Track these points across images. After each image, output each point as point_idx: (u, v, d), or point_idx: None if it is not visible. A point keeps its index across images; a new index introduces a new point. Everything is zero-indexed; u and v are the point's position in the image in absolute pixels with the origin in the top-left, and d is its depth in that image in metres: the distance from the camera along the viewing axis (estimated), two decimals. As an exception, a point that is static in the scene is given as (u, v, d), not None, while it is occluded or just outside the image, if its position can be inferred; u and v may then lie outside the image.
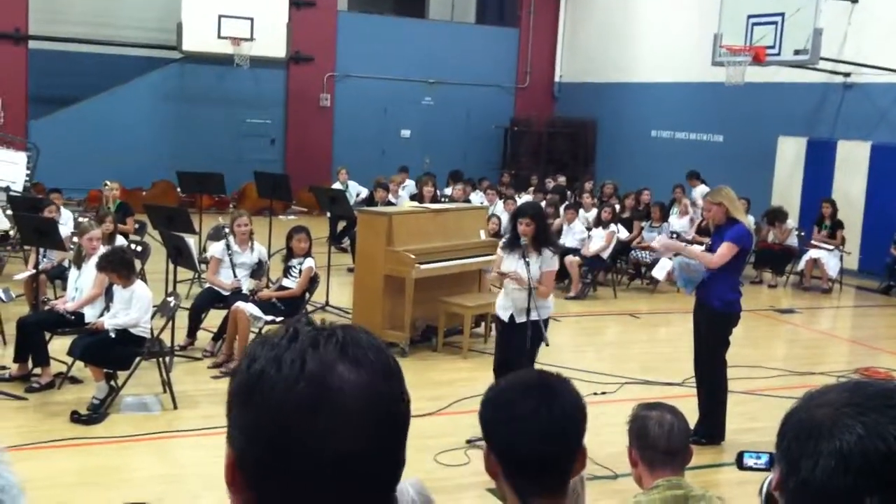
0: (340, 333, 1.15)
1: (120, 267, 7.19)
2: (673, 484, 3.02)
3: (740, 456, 2.40)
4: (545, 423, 1.96)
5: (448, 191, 15.83)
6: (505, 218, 11.76)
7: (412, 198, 14.62)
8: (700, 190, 15.82)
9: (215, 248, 9.22)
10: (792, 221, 14.33)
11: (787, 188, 15.98)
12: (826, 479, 1.21)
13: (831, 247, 13.68)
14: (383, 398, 1.13)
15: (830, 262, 13.59)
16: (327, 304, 10.69)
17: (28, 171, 15.01)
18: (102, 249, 7.78)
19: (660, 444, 3.12)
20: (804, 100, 15.89)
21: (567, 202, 14.53)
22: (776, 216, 14.16)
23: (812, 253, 13.70)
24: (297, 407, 1.09)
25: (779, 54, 14.31)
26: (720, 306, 6.82)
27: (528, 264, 6.53)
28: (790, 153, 16.07)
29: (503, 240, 7.09)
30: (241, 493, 1.15)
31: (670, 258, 7.15)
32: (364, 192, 15.87)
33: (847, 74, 15.14)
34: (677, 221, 14.37)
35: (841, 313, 13.10)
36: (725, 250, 6.70)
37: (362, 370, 1.12)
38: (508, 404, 2.01)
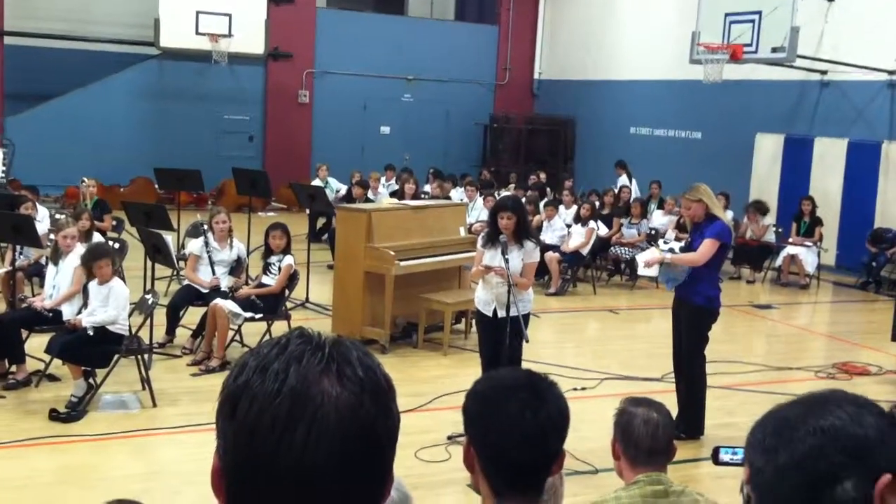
0: (329, 348, 1.13)
1: (105, 254, 7.18)
2: (653, 479, 3.03)
3: (716, 451, 2.42)
4: (529, 426, 1.97)
5: (428, 188, 15.83)
6: (485, 214, 11.76)
7: (393, 194, 14.62)
8: (623, 179, 16.53)
9: (194, 246, 9.17)
10: (770, 218, 14.42)
11: (764, 185, 16.08)
12: (805, 459, 1.24)
13: (809, 244, 13.80)
14: (367, 417, 1.10)
15: (808, 258, 13.69)
16: (307, 301, 10.66)
17: (4, 168, 14.88)
18: (80, 247, 7.73)
19: (643, 442, 3.12)
20: (782, 97, 15.99)
21: (547, 199, 14.56)
22: (759, 208, 14.25)
23: (790, 249, 13.80)
24: (274, 420, 1.08)
25: (756, 52, 14.39)
26: (702, 302, 6.85)
27: (507, 261, 6.54)
28: (768, 150, 16.17)
29: (481, 236, 7.07)
30: (222, 500, 1.14)
31: (654, 246, 7.17)
32: (343, 189, 15.84)
33: (824, 72, 15.25)
34: (659, 218, 14.42)
35: (818, 309, 13.21)
36: (707, 247, 6.73)
37: (346, 387, 1.10)
38: (494, 402, 2.02)
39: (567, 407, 2.07)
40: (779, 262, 13.98)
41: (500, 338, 6.61)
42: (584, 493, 5.64)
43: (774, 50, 14.13)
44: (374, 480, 1.14)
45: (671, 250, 7.24)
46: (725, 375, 8.38)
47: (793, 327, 11.75)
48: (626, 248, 13.39)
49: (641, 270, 7.41)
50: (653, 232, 13.65)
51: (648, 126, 19.08)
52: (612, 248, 13.57)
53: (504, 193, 14.73)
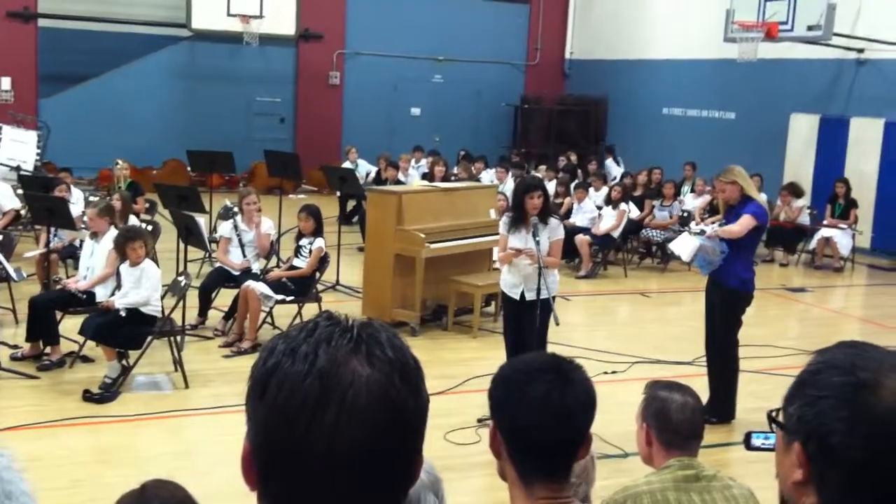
0: (358, 329, 1.13)
1: (137, 236, 7.24)
2: (685, 464, 3.00)
3: (748, 436, 2.39)
4: (556, 408, 1.95)
5: (456, 170, 15.80)
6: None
7: (424, 177, 14.60)
8: (610, 163, 17.41)
9: (224, 228, 9.24)
10: (803, 200, 14.24)
11: (799, 166, 15.88)
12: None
13: (844, 226, 13.62)
14: (398, 396, 1.11)
15: (842, 240, 13.52)
16: (338, 283, 10.69)
17: (38, 151, 15.02)
18: (113, 230, 7.79)
19: (682, 428, 3.10)
20: (817, 76, 15.76)
21: (577, 181, 14.47)
22: (793, 190, 14.09)
23: (824, 231, 13.63)
24: (304, 401, 1.08)
25: (792, 30, 14.18)
26: (736, 285, 6.78)
27: (538, 243, 6.49)
28: (803, 130, 15.95)
29: (505, 218, 6.99)
30: (254, 486, 1.14)
31: (691, 234, 7.07)
32: (374, 171, 15.84)
33: (861, 51, 15.00)
34: (691, 201, 14.27)
35: (853, 292, 13.05)
36: (746, 220, 6.65)
37: (377, 367, 1.10)
38: (521, 385, 2.00)
39: (594, 389, 2.05)
40: (813, 244, 13.82)
41: (526, 321, 6.59)
42: (613, 477, 5.61)
43: (810, 28, 13.92)
44: (405, 461, 1.14)
45: (702, 232, 7.15)
46: (758, 359, 8.31)
47: (827, 311, 11.63)
48: (658, 231, 13.29)
49: (686, 257, 7.25)
50: (685, 214, 13.53)
51: (681, 106, 18.89)
52: (643, 231, 13.47)
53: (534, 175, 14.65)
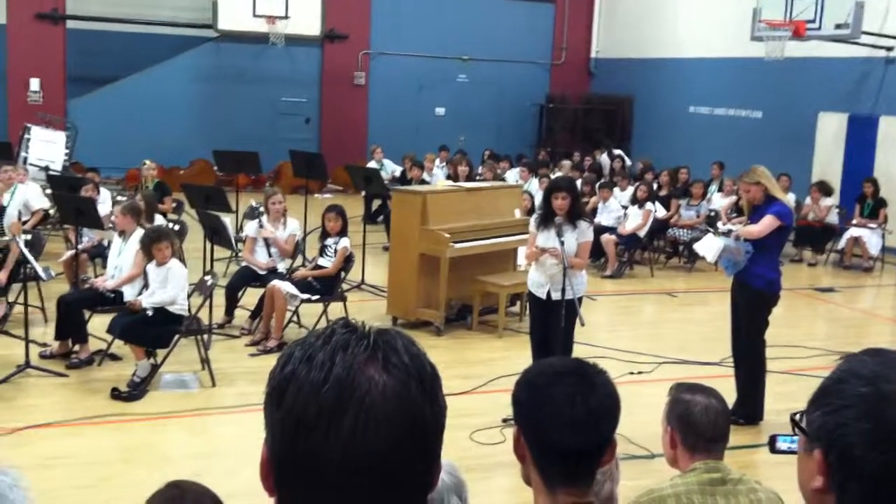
0: (374, 336, 1.13)
1: (163, 236, 7.28)
2: (710, 467, 2.98)
3: (773, 439, 2.36)
4: (580, 412, 1.94)
5: (480, 169, 15.78)
6: (539, 196, 11.67)
7: (447, 177, 14.60)
8: (604, 158, 17.38)
9: (250, 228, 9.29)
10: (832, 199, 14.11)
11: (827, 165, 15.73)
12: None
13: (873, 225, 13.48)
14: (415, 404, 1.10)
15: (872, 239, 13.38)
16: (363, 282, 10.72)
17: (67, 151, 15.17)
18: (139, 230, 7.84)
19: (706, 431, 3.08)
20: (845, 75, 15.59)
21: (603, 180, 14.41)
22: (822, 188, 13.96)
23: (853, 231, 13.49)
24: (321, 408, 1.08)
25: (819, 28, 14.05)
26: (762, 285, 6.73)
27: (563, 243, 6.48)
28: (831, 129, 15.80)
29: (535, 217, 7.01)
30: (272, 492, 1.15)
31: (716, 235, 7.03)
32: (399, 171, 15.87)
33: (889, 49, 14.83)
34: (719, 200, 14.16)
35: (882, 292, 12.91)
36: (768, 221, 6.60)
37: (393, 374, 1.10)
38: (544, 389, 1.99)
39: (617, 394, 2.04)
40: (842, 244, 13.68)
41: (552, 320, 6.57)
42: (639, 478, 5.58)
43: (838, 26, 13.78)
44: (422, 467, 1.14)
45: (728, 232, 7.11)
46: (786, 360, 8.24)
47: (856, 311, 11.51)
48: (685, 230, 13.22)
49: (710, 258, 7.22)
50: (712, 214, 13.44)
51: (708, 105, 18.76)
52: (669, 230, 13.40)
53: (557, 174, 14.62)
